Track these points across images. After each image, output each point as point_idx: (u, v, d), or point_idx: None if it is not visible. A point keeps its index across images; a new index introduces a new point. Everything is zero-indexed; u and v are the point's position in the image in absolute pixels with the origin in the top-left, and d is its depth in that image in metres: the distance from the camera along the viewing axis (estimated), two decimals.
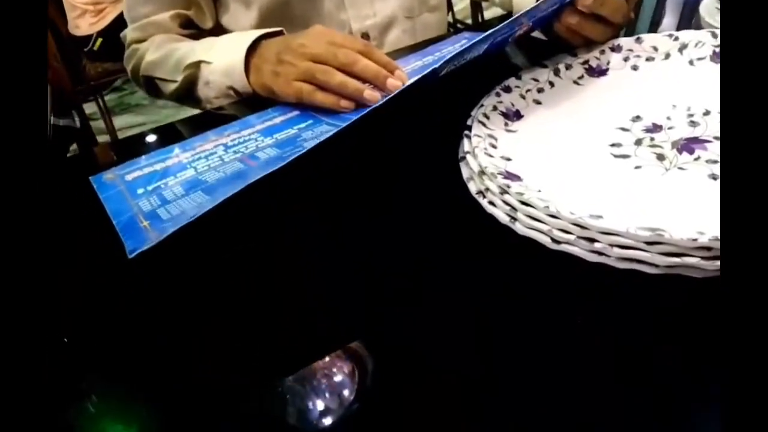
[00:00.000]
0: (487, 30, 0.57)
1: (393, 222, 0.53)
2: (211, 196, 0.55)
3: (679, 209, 0.44)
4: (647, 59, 0.65)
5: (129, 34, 0.96)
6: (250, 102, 0.75)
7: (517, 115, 0.59)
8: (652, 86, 0.61)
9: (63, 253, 0.53)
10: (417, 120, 0.66)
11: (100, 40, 2.80)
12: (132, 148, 0.71)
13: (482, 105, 0.59)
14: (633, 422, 0.34)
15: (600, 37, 0.67)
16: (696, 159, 0.49)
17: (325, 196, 0.57)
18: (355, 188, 0.58)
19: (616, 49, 0.66)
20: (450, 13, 2.75)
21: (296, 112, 0.69)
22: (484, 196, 0.49)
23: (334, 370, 0.40)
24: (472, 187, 0.51)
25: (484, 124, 0.56)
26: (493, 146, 0.54)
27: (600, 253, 0.41)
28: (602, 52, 0.66)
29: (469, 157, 0.52)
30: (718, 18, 0.70)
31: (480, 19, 2.64)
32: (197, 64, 0.82)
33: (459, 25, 2.75)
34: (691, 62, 0.62)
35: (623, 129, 0.55)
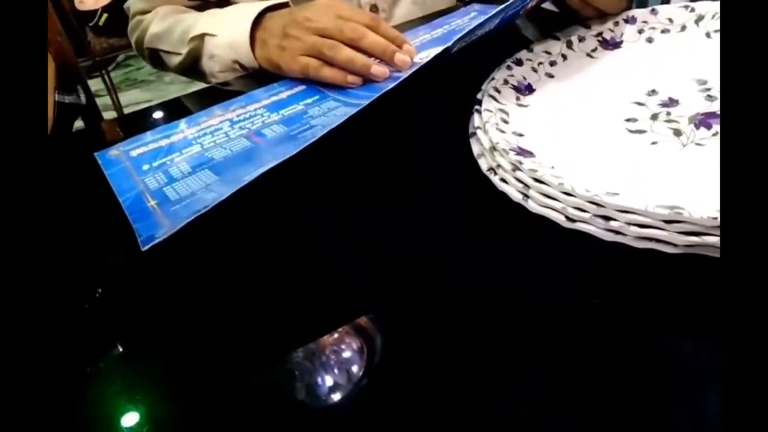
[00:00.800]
0: (496, 2, 0.56)
1: (402, 200, 0.52)
2: (219, 177, 0.54)
3: (698, 186, 0.43)
4: (662, 31, 0.63)
5: (133, 4, 0.94)
6: (257, 76, 0.74)
7: (529, 89, 0.58)
8: (667, 59, 0.60)
9: (69, 233, 0.52)
10: (425, 95, 0.65)
11: (105, 15, 2.78)
12: (138, 124, 0.70)
13: (493, 78, 0.58)
14: (644, 403, 0.33)
15: (612, 8, 0.65)
16: (714, 134, 0.48)
17: (335, 174, 0.56)
18: (365, 166, 0.57)
19: (630, 20, 0.65)
20: None
21: (303, 87, 0.68)
22: (496, 173, 0.48)
23: (343, 346, 0.40)
24: (483, 164, 0.50)
25: (495, 99, 0.55)
26: (505, 121, 0.52)
27: (617, 232, 0.40)
28: (616, 23, 0.65)
29: (479, 132, 0.51)
30: None
31: None
32: (201, 37, 0.80)
33: None
34: (707, 34, 0.61)
35: (639, 103, 0.53)
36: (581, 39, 0.64)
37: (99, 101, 2.54)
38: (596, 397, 0.34)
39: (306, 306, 0.43)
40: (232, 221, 0.51)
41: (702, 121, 0.49)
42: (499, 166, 0.47)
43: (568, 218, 0.42)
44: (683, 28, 0.62)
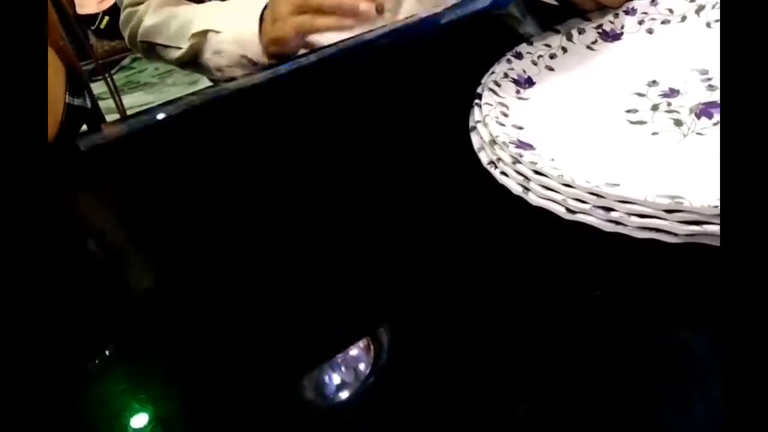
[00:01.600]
0: None
1: (403, 194, 0.52)
2: None
3: (699, 176, 0.42)
4: (663, 22, 0.63)
5: None
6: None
7: (529, 82, 0.58)
8: (668, 50, 0.59)
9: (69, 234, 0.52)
10: (425, 88, 0.65)
11: (106, 18, 2.79)
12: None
13: (493, 72, 0.57)
14: (646, 396, 0.33)
15: (612, 0, 0.65)
16: (715, 124, 0.47)
17: (332, 170, 0.56)
18: (363, 161, 0.57)
19: (630, 12, 0.64)
20: None
21: None
22: (496, 166, 0.48)
23: None
24: (483, 158, 0.50)
25: (495, 92, 0.54)
26: (505, 114, 0.52)
27: (617, 223, 0.40)
28: (616, 15, 0.65)
29: (479, 126, 0.51)
30: None
31: None
32: (204, 33, 0.80)
33: None
34: (708, 24, 0.60)
35: (639, 94, 0.53)
36: (581, 31, 0.64)
37: (102, 104, 2.55)
38: (598, 390, 0.34)
39: (315, 320, 0.43)
40: (232, 225, 0.52)
41: (703, 110, 0.49)
42: (499, 159, 0.47)
43: (568, 210, 0.42)
44: (683, 18, 0.62)
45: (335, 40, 0.68)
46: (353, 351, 0.39)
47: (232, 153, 0.61)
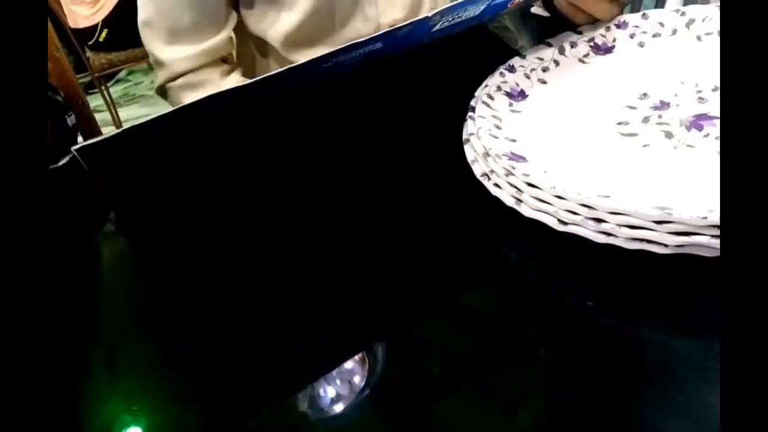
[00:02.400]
0: None
1: (397, 206, 0.52)
2: None
3: (689, 187, 0.43)
4: (654, 35, 0.63)
5: (175, 63, 0.86)
6: None
7: (522, 95, 0.58)
8: (659, 63, 0.60)
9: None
10: (419, 101, 0.65)
11: (105, 31, 2.79)
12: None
13: (486, 85, 0.58)
14: (639, 403, 0.33)
15: (604, 14, 0.66)
16: (705, 136, 0.48)
17: (327, 181, 0.57)
18: (358, 173, 0.57)
19: (621, 25, 0.65)
20: None
21: None
22: (489, 179, 0.48)
23: None
24: (477, 170, 0.50)
25: (488, 105, 0.55)
26: (498, 127, 0.53)
27: (608, 234, 0.40)
28: (608, 29, 0.65)
29: (473, 138, 0.51)
30: None
31: None
32: None
33: None
34: (698, 38, 0.61)
35: (630, 107, 0.54)
36: (573, 45, 0.64)
37: (98, 116, 2.55)
38: (591, 399, 0.34)
39: (311, 333, 0.43)
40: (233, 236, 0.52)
41: (693, 123, 0.50)
42: (492, 171, 0.48)
43: (560, 221, 0.42)
44: (674, 31, 0.63)
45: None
46: (348, 364, 0.39)
47: (223, 164, 0.61)
